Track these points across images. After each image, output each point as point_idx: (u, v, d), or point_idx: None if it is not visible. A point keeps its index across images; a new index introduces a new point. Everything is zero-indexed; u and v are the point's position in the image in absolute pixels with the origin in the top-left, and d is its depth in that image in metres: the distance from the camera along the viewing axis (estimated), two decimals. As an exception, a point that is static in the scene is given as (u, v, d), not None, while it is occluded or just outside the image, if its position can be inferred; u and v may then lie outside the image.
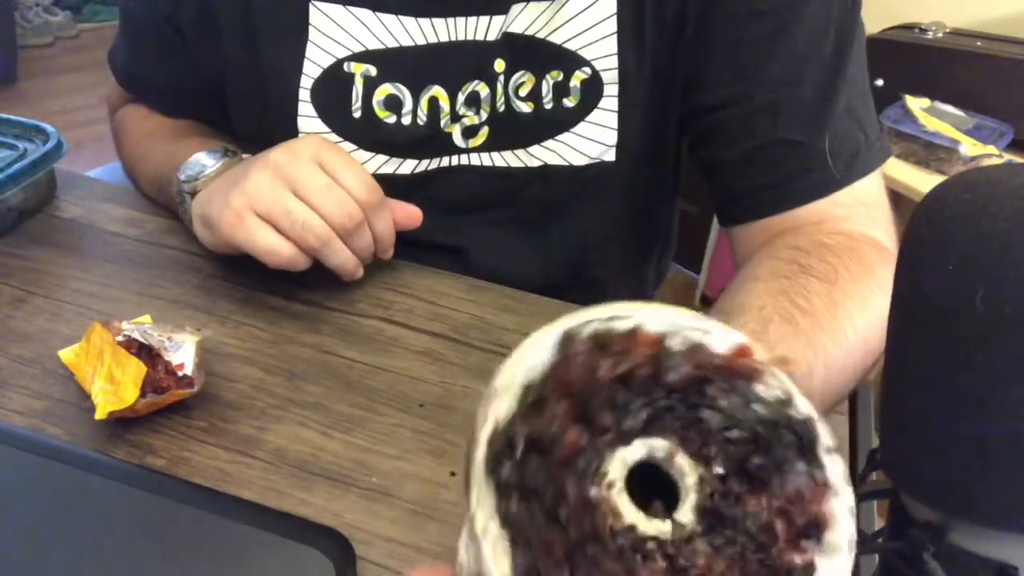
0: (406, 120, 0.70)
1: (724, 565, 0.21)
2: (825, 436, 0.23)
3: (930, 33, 1.60)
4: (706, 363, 0.23)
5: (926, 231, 0.26)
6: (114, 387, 0.53)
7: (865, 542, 0.33)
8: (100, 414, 0.51)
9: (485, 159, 0.72)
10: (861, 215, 0.64)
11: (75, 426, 0.54)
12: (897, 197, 1.63)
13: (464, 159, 0.72)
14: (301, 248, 0.60)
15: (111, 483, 0.48)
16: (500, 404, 0.22)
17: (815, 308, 0.53)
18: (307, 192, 0.60)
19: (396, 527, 0.49)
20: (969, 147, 1.48)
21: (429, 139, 0.71)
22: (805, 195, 0.65)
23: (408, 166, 0.72)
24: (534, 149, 0.71)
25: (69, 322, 0.63)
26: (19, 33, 3.22)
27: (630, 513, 0.21)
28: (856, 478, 0.37)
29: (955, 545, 0.27)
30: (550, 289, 0.71)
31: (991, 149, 1.50)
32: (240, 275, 0.68)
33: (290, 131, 0.71)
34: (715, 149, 0.68)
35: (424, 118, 0.70)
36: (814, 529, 0.22)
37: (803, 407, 0.23)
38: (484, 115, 0.71)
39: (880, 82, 1.57)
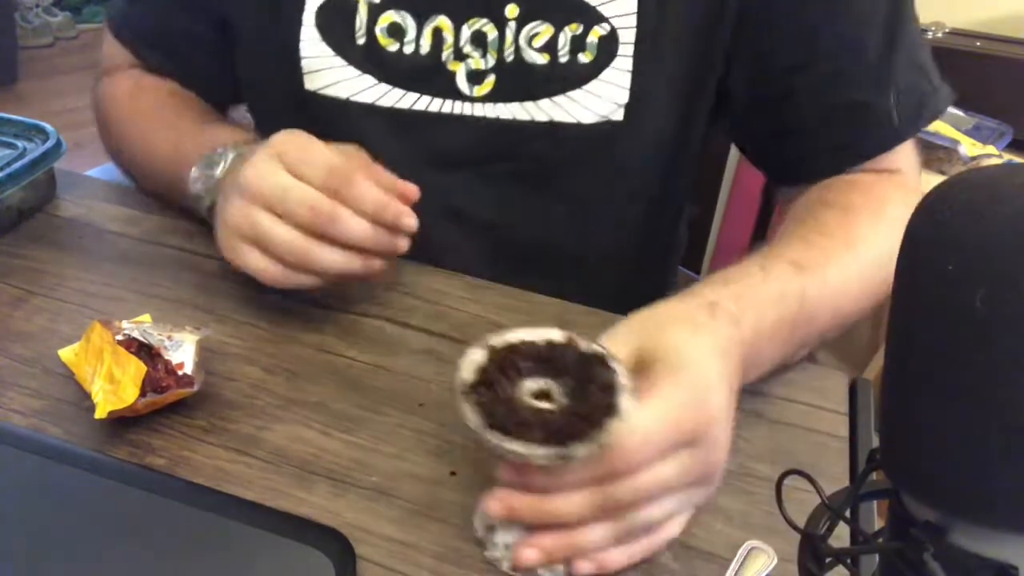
0: (408, 49, 0.69)
1: (576, 403, 0.43)
2: (607, 350, 0.45)
3: (930, 33, 1.60)
4: (550, 344, 0.47)
5: (926, 231, 0.26)
6: (114, 386, 0.53)
7: (865, 542, 0.33)
8: (100, 413, 0.51)
9: (489, 110, 0.71)
10: (893, 156, 0.70)
11: (75, 426, 0.54)
12: (897, 197, 1.62)
13: (467, 108, 0.71)
14: (287, 264, 0.59)
15: (111, 483, 0.48)
16: (464, 373, 0.45)
17: (831, 231, 0.61)
18: (271, 204, 0.58)
19: (396, 527, 0.49)
20: (969, 147, 1.49)
21: (430, 71, 0.70)
22: (869, 154, 0.69)
23: (408, 100, 0.71)
24: (543, 103, 0.70)
25: (69, 322, 0.63)
26: (19, 34, 3.22)
27: (532, 402, 0.44)
28: (856, 478, 0.37)
29: (955, 545, 0.27)
30: (546, 248, 0.73)
31: (991, 149, 1.50)
32: (240, 274, 0.68)
33: (294, 58, 0.70)
34: (779, 115, 0.71)
35: (427, 48, 0.69)
36: (610, 388, 0.43)
37: (590, 346, 0.46)
38: (491, 61, 0.69)
39: (880, 82, 1.56)
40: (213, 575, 0.44)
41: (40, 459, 0.49)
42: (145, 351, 0.55)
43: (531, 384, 0.45)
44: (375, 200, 0.58)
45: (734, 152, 1.78)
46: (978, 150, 1.49)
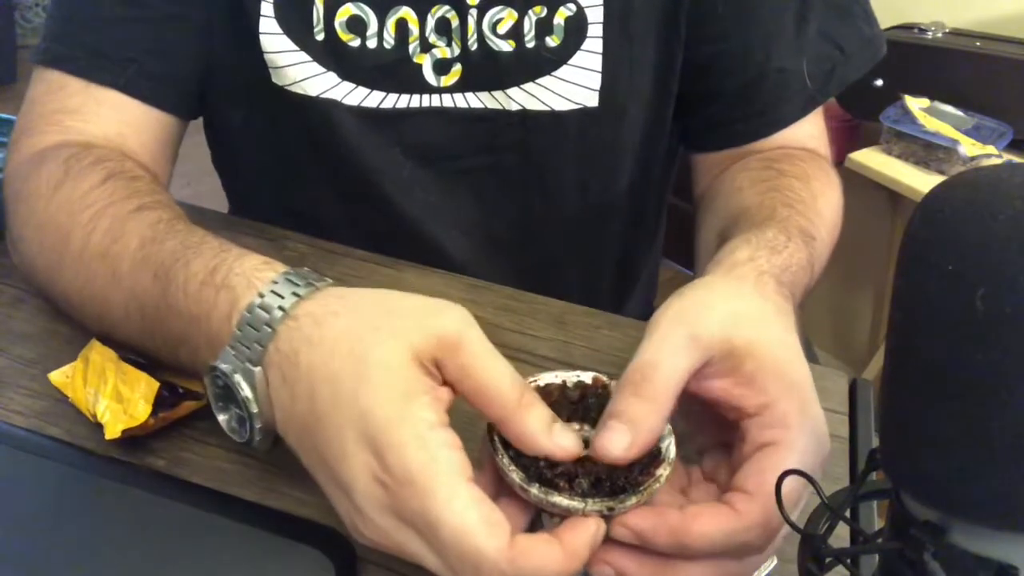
0: (371, 43, 0.66)
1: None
2: None
3: (930, 33, 1.60)
4: (581, 387, 0.45)
5: (926, 231, 0.26)
6: (123, 405, 0.52)
7: (865, 542, 0.33)
8: (111, 434, 0.50)
9: (459, 100, 0.69)
10: (806, 127, 0.74)
11: (75, 426, 0.54)
12: (897, 197, 1.63)
13: (436, 100, 0.69)
14: None
15: (111, 483, 0.48)
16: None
17: (803, 198, 0.64)
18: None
19: (396, 527, 0.49)
20: (969, 147, 1.49)
21: (396, 66, 0.67)
22: (786, 120, 0.73)
23: (375, 98, 0.68)
24: (513, 91, 0.68)
25: (69, 322, 0.63)
26: (19, 33, 3.22)
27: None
28: (856, 478, 0.37)
29: (955, 545, 0.27)
30: (525, 243, 0.73)
31: (991, 149, 1.50)
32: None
33: (257, 52, 0.66)
34: (706, 79, 0.72)
35: (391, 41, 0.66)
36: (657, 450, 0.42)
37: None
38: (456, 50, 0.67)
39: (880, 82, 1.57)
40: (213, 575, 0.44)
41: (40, 459, 0.49)
42: (151, 364, 0.54)
43: None
44: None
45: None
46: (978, 150, 1.49)
